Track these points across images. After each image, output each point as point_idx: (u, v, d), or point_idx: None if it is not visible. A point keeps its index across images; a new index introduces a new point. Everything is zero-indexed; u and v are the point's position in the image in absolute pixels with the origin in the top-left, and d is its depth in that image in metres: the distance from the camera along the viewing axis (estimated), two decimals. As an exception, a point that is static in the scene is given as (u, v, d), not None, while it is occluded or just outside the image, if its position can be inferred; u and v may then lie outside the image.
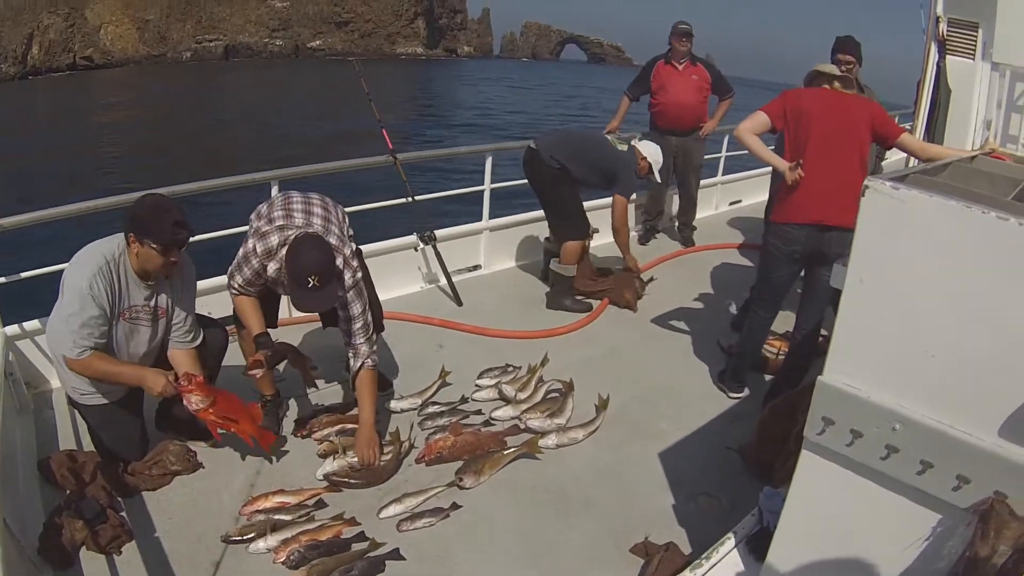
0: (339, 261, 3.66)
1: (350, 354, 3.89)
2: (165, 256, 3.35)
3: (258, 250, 3.67)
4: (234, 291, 3.83)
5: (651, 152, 5.97)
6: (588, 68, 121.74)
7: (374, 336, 3.96)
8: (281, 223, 3.73)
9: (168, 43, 79.73)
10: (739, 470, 3.88)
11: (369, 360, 3.86)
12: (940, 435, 2.04)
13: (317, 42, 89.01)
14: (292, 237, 3.63)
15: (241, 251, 3.76)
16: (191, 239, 3.46)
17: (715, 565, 2.80)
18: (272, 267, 3.70)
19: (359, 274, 3.80)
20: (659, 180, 6.27)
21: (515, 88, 65.56)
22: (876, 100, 4.93)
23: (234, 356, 4.22)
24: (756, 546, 2.87)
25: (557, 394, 4.55)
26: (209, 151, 27.73)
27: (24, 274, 4.41)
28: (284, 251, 3.62)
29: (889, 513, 2.23)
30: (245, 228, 4.00)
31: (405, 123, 35.41)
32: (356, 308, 3.79)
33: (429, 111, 43.33)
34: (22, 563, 2.96)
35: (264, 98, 48.00)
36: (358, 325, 3.82)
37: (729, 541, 2.90)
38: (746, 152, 4.40)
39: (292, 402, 4.44)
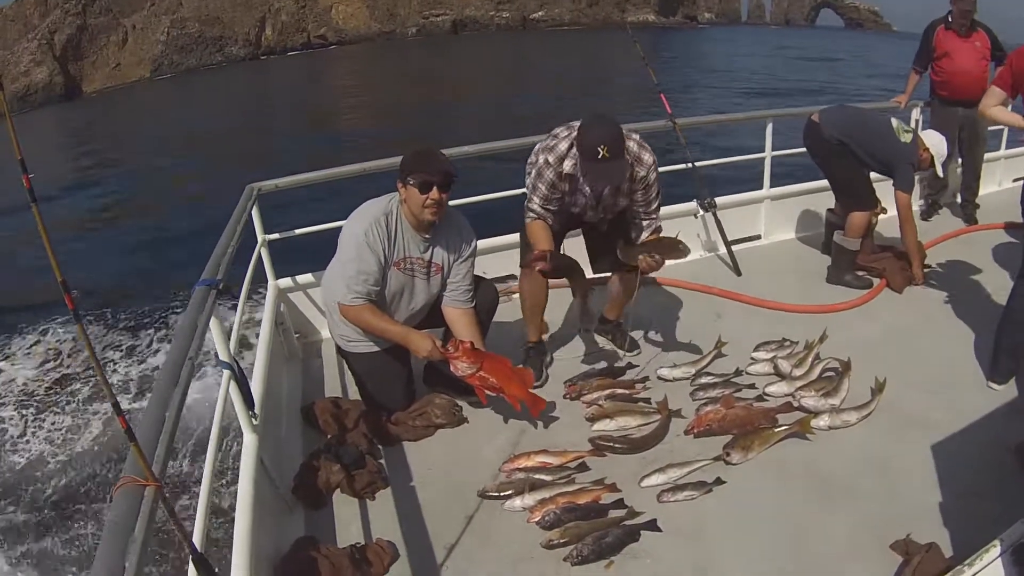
0: (632, 143, 3.97)
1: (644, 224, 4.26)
2: (424, 193, 3.62)
3: (550, 160, 3.93)
4: (531, 215, 4.08)
5: (935, 143, 5.76)
6: (846, 34, 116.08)
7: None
8: (566, 133, 3.98)
9: (396, 19, 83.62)
10: (1014, 471, 3.65)
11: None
12: None
13: (542, 12, 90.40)
14: None
15: (533, 172, 4.03)
16: (454, 180, 3.73)
17: (977, 573, 2.67)
18: (568, 165, 3.93)
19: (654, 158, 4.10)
20: (941, 175, 6.03)
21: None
22: None
23: (503, 313, 4.54)
24: (1022, 558, 2.72)
25: (833, 373, 4.49)
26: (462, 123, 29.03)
27: (297, 231, 4.94)
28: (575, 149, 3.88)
29: None
30: (522, 191, 4.30)
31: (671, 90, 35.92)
32: (653, 191, 4.17)
33: (696, 77, 43.70)
34: (275, 501, 3.32)
35: (512, 71, 49.71)
36: (654, 206, 4.25)
37: (994, 549, 2.73)
38: None
39: (561, 363, 4.71)
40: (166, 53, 70.83)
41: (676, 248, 4.00)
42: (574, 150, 3.88)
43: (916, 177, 5.94)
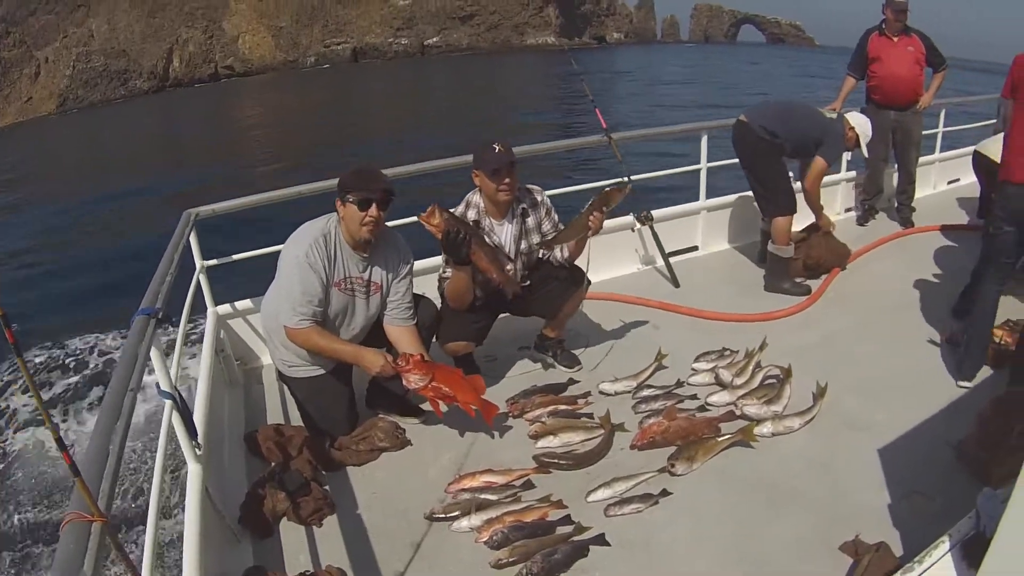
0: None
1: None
2: (363, 211, 3.70)
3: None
4: (447, 278, 4.30)
5: (860, 123, 6.09)
6: (768, 50, 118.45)
7: None
8: (460, 202, 4.48)
9: (299, 48, 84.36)
10: (957, 468, 3.79)
11: None
12: None
13: (436, 39, 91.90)
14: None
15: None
16: (392, 198, 3.83)
17: (927, 570, 2.73)
18: (471, 213, 4.35)
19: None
20: (866, 154, 6.33)
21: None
22: None
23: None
24: (971, 552, 2.77)
25: (774, 380, 4.60)
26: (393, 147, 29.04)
27: (236, 256, 4.97)
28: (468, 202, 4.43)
29: None
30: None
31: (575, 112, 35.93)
32: (554, 212, 4.61)
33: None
34: (221, 531, 3.31)
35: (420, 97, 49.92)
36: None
37: (943, 545, 2.80)
38: (964, 128, 4.49)
39: (502, 382, 4.82)
40: (71, 88, 69.77)
41: (617, 192, 4.34)
42: (475, 200, 4.39)
43: (846, 158, 6.26)
